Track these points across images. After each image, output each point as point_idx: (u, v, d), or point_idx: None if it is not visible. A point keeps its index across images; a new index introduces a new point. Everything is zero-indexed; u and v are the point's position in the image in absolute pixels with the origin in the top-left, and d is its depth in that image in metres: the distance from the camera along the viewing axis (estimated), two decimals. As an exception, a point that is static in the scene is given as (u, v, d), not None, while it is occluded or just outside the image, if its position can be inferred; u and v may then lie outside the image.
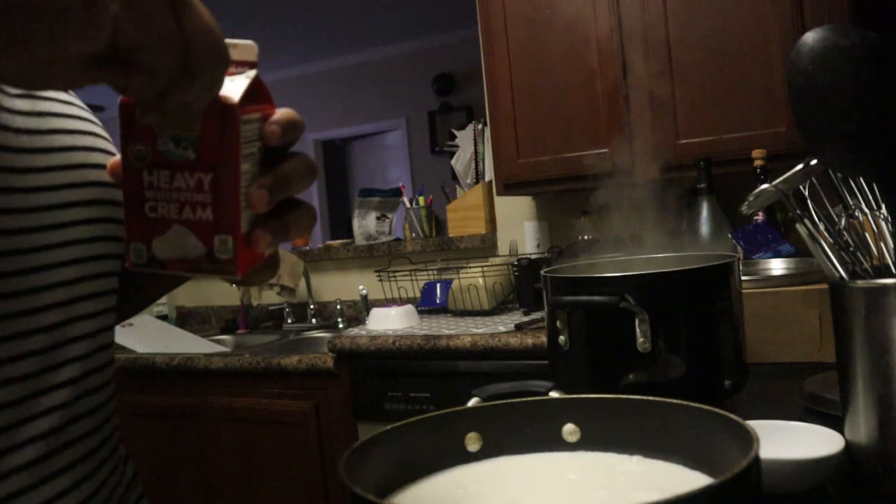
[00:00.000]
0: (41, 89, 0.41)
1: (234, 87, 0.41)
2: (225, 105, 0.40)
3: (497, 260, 2.56)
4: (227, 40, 0.40)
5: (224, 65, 0.38)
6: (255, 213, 0.43)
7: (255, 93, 0.43)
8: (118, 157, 0.43)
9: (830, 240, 0.73)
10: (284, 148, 0.45)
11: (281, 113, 0.44)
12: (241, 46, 0.42)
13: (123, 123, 0.41)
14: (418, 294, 2.74)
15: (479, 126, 2.87)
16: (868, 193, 0.76)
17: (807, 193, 0.76)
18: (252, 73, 0.42)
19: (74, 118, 0.59)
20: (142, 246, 0.42)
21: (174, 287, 0.79)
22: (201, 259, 0.42)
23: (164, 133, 0.41)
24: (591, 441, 0.55)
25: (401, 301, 2.57)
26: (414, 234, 2.98)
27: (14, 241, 0.50)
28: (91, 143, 0.59)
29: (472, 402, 0.57)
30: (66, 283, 0.54)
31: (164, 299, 3.30)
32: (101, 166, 0.58)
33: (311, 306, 3.07)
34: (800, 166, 0.74)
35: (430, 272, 2.75)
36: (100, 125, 0.64)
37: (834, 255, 0.72)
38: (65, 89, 0.41)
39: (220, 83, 0.39)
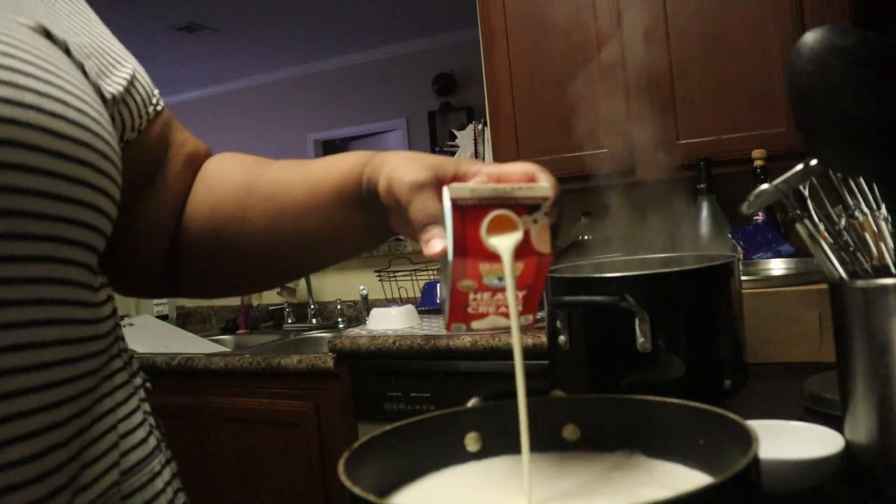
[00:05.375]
0: None
1: (544, 235, 0.52)
2: (542, 254, 0.52)
3: (497, 260, 2.55)
4: (526, 185, 0.52)
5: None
6: None
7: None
8: (440, 246, 0.52)
9: (830, 240, 0.73)
10: None
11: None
12: (537, 188, 0.52)
13: (455, 267, 0.51)
14: (418, 294, 2.74)
15: (479, 126, 2.87)
16: (868, 193, 0.76)
17: (807, 193, 0.76)
18: (548, 217, 0.52)
19: None
20: (462, 325, 0.54)
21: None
22: (507, 326, 0.54)
23: (490, 275, 0.52)
24: (591, 441, 0.55)
25: (401, 301, 2.57)
26: (414, 234, 2.98)
27: None
28: None
29: (472, 402, 0.57)
30: None
31: (164, 299, 3.31)
32: None
33: (312, 306, 3.07)
34: (800, 166, 0.74)
35: (431, 272, 2.75)
36: None
37: (834, 255, 0.72)
38: None
39: None
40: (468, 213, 0.51)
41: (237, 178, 0.70)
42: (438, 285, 2.64)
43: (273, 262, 0.71)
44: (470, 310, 0.53)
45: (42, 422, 0.44)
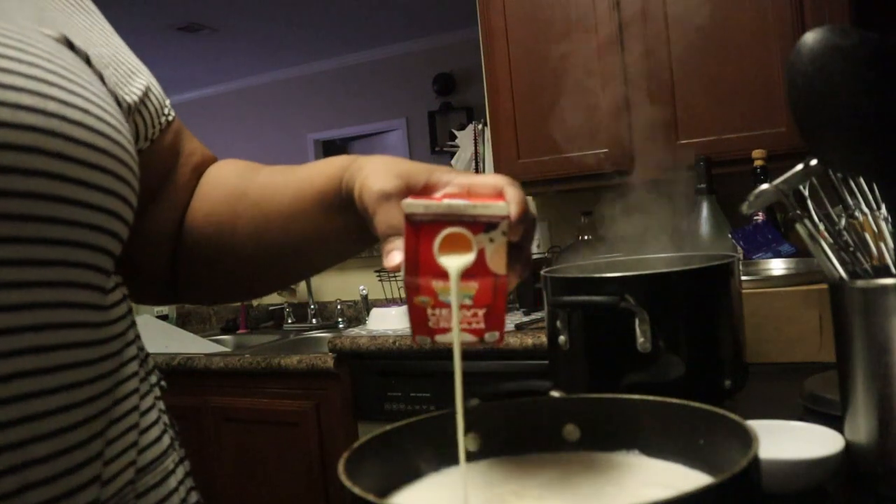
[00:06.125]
0: None
1: (500, 255, 0.50)
2: (498, 275, 0.50)
3: (497, 260, 2.55)
4: (482, 203, 0.50)
5: None
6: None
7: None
8: (399, 258, 0.52)
9: (830, 240, 0.73)
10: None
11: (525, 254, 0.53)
12: (494, 206, 0.50)
13: (408, 283, 0.51)
14: (418, 294, 2.73)
15: (480, 126, 2.86)
16: (868, 193, 0.76)
17: (807, 193, 0.76)
18: (506, 237, 0.50)
19: None
20: (426, 339, 0.53)
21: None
22: (474, 343, 0.52)
23: (445, 292, 0.50)
24: (591, 441, 0.55)
25: (401, 301, 2.57)
26: (414, 234, 2.98)
27: None
28: None
29: (472, 402, 0.57)
30: None
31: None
32: None
33: (312, 306, 3.07)
34: (800, 166, 0.74)
35: (430, 272, 2.74)
36: None
37: (834, 255, 0.72)
38: None
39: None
40: (422, 228, 0.49)
41: (231, 183, 0.70)
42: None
43: (261, 269, 0.70)
44: (431, 324, 0.52)
45: (61, 422, 0.44)
